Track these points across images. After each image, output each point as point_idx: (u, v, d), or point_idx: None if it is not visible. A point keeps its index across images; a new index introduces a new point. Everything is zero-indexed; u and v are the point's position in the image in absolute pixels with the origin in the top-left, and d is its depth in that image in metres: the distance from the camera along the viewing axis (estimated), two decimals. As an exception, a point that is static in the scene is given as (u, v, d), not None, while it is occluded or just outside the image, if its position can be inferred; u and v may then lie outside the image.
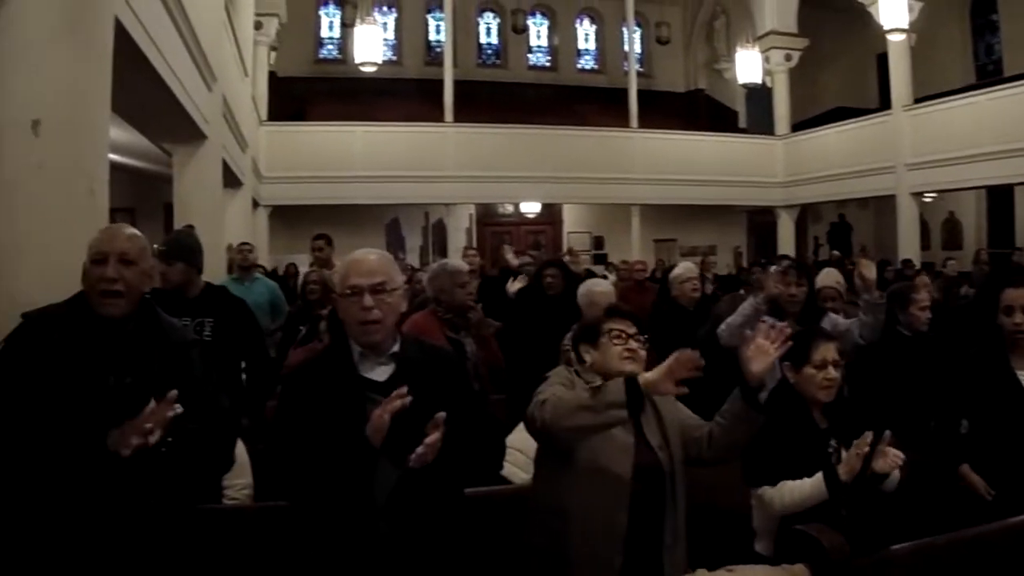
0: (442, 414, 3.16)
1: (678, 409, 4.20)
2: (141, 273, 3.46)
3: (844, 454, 4.27)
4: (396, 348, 3.50)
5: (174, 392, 3.17)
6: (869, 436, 4.10)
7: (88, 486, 3.21)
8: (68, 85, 5.16)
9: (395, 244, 24.65)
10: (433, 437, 3.14)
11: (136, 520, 3.31)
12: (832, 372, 4.44)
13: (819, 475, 4.16)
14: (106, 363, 3.33)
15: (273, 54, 23.26)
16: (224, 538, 4.38)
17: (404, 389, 3.17)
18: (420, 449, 3.12)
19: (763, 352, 3.89)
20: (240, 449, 5.31)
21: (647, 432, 4.02)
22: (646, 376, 3.71)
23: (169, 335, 3.56)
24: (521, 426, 4.95)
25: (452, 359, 3.88)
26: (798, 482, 4.21)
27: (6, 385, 3.33)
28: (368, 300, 3.36)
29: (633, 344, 4.07)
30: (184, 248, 5.90)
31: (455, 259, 8.65)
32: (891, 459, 4.12)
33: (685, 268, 8.12)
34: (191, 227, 6.61)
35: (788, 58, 23.92)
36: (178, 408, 3.15)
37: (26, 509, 3.33)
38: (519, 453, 5.30)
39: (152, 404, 3.16)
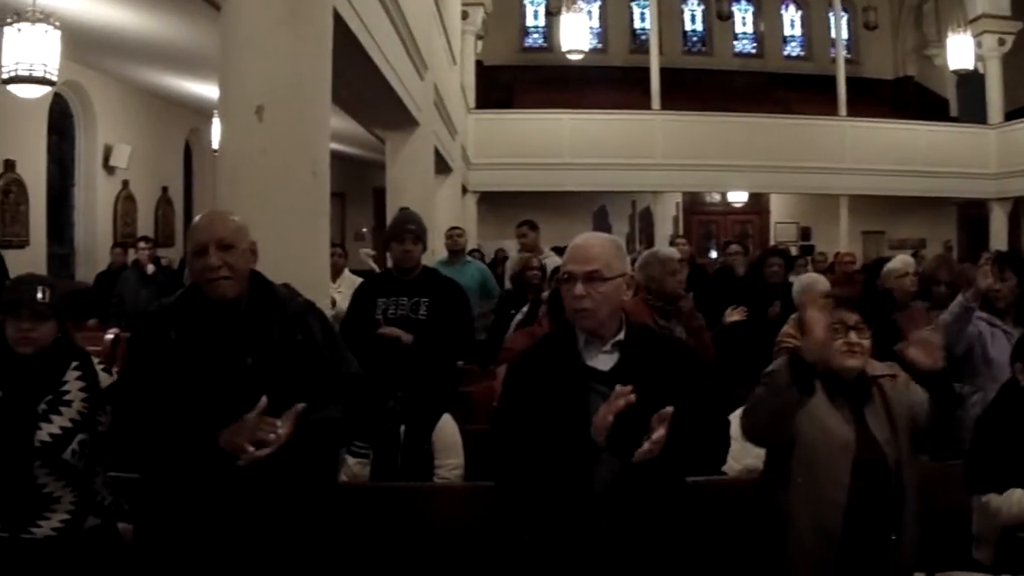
0: (670, 409, 3.06)
1: (912, 393, 3.92)
2: (242, 253, 3.47)
3: None
4: (621, 336, 3.41)
5: (263, 400, 3.19)
6: None
7: (215, 473, 3.28)
8: (290, 72, 5.30)
9: (602, 232, 24.46)
10: (659, 433, 3.04)
11: (270, 495, 3.35)
12: None
13: None
14: (225, 347, 3.39)
15: (479, 43, 23.51)
16: (433, 515, 4.45)
17: (629, 388, 3.08)
18: (646, 446, 3.04)
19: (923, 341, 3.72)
20: (453, 429, 5.39)
21: (872, 424, 3.82)
22: (811, 343, 3.57)
23: (286, 307, 3.57)
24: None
25: (681, 347, 3.78)
26: None
27: (132, 382, 3.50)
28: (579, 288, 3.28)
29: (853, 336, 3.83)
30: (424, 228, 5.97)
31: (665, 247, 8.58)
32: None
33: (903, 262, 7.78)
34: (406, 208, 6.68)
35: (1001, 42, 22.54)
36: (279, 430, 3.20)
37: (166, 504, 3.47)
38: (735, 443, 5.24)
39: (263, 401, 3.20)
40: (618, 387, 3.10)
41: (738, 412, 4.11)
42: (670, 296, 6.04)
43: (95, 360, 3.84)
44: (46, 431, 3.57)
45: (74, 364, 3.74)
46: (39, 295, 3.66)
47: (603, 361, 3.36)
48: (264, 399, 3.18)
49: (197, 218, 3.62)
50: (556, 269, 7.22)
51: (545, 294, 6.78)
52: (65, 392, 3.67)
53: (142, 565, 3.70)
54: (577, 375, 3.33)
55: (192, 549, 3.36)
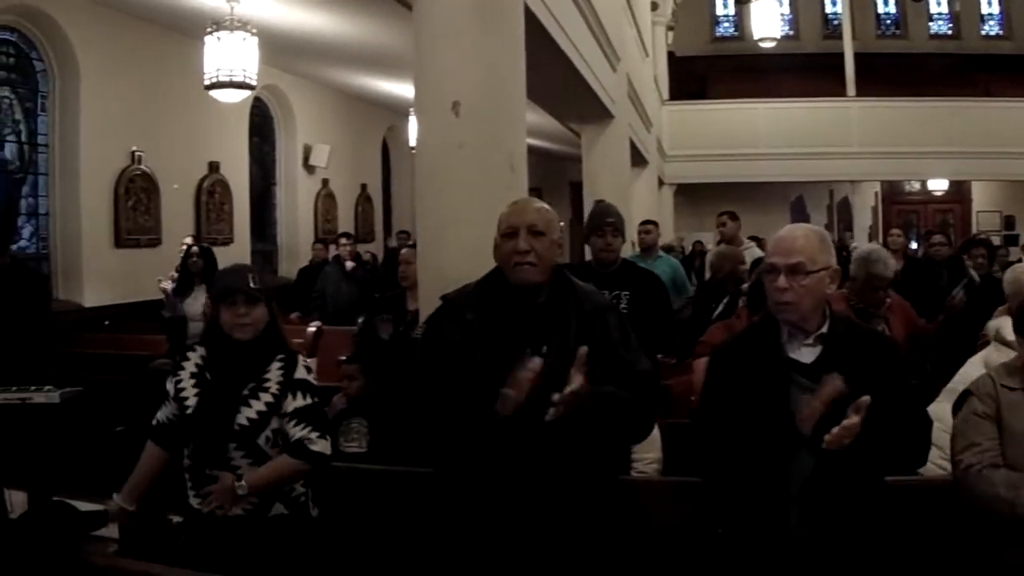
0: (866, 398, 2.96)
1: None
2: (550, 243, 3.47)
3: None
4: (825, 329, 3.34)
5: (584, 349, 3.18)
6: None
7: (504, 456, 3.29)
8: (484, 68, 5.34)
9: (800, 222, 24.00)
10: (852, 420, 2.95)
11: (555, 485, 3.33)
12: None
13: None
14: (522, 335, 3.36)
15: (670, 34, 23.38)
16: (630, 510, 4.41)
17: (840, 380, 3.02)
18: (836, 430, 2.95)
19: None
20: (652, 424, 5.35)
21: None
22: None
23: (583, 302, 3.54)
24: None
25: (886, 343, 3.66)
26: None
27: (429, 365, 3.50)
28: (782, 281, 3.24)
29: None
30: (623, 220, 5.94)
31: (873, 244, 8.32)
32: None
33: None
34: (602, 200, 6.66)
35: None
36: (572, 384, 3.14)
37: (453, 480, 3.50)
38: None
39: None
40: (828, 377, 3.03)
41: (933, 408, 3.97)
42: (869, 301, 5.84)
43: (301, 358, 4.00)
44: (245, 415, 3.74)
45: (279, 356, 3.90)
46: (251, 281, 3.85)
47: (806, 354, 3.31)
48: (584, 348, 3.19)
49: (510, 204, 3.66)
50: (757, 261, 7.09)
51: (745, 286, 6.65)
52: (266, 380, 3.83)
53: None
54: (779, 367, 3.28)
55: (480, 530, 3.39)
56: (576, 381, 3.14)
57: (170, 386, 3.95)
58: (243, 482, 3.67)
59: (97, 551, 3.81)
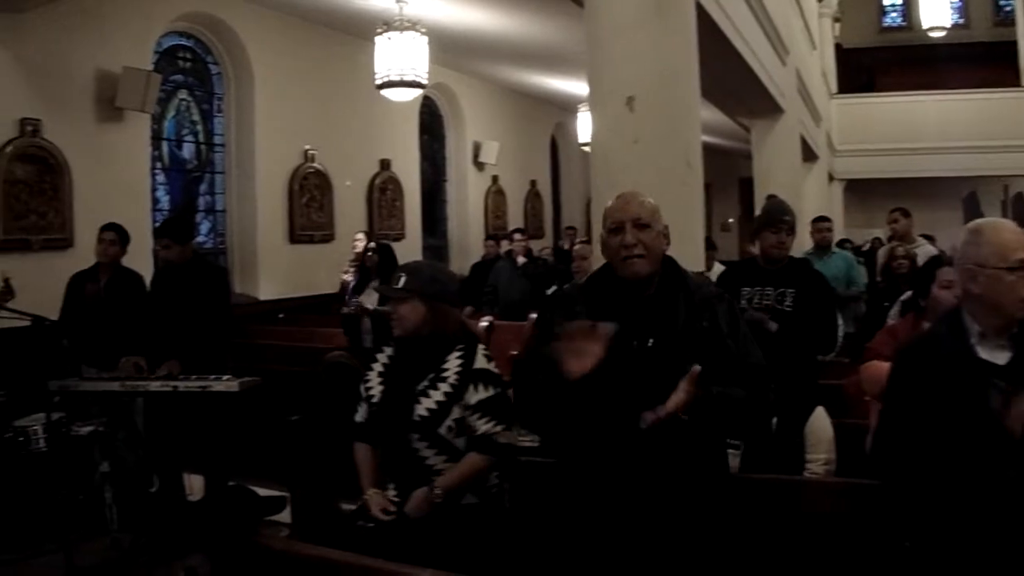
0: None
1: None
2: (656, 234, 3.44)
3: None
4: (1015, 329, 3.18)
5: (697, 368, 3.10)
6: None
7: (616, 448, 3.29)
8: (658, 63, 5.37)
9: (972, 219, 23.25)
10: None
11: (670, 481, 3.32)
12: None
13: None
14: (630, 326, 3.33)
15: (837, 25, 23.01)
16: (801, 509, 4.36)
17: None
18: None
19: None
20: (825, 423, 5.28)
21: None
22: None
23: (694, 293, 3.49)
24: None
25: None
26: None
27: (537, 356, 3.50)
28: None
29: None
30: (795, 219, 5.86)
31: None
32: None
33: None
34: (775, 196, 6.57)
35: None
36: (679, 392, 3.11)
37: (567, 471, 3.53)
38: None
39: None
40: None
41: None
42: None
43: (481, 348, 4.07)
44: (424, 406, 3.86)
45: (459, 347, 4.00)
46: (395, 280, 4.03)
47: (999, 355, 3.16)
48: (697, 367, 3.13)
49: (613, 199, 3.64)
50: (933, 260, 6.90)
51: (906, 295, 6.41)
52: (444, 370, 3.94)
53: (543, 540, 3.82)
54: (975, 370, 3.13)
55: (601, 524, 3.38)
56: (678, 396, 3.12)
57: (362, 387, 4.11)
58: (438, 489, 3.77)
59: (273, 535, 3.93)
